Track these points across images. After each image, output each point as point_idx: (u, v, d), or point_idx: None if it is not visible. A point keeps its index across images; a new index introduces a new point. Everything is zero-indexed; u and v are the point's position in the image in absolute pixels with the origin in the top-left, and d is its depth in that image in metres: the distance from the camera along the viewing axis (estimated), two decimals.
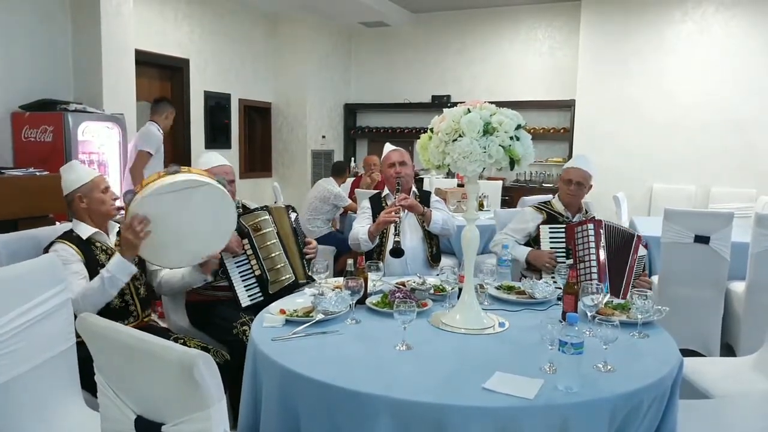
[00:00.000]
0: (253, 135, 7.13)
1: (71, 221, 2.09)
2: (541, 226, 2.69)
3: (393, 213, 2.62)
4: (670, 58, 6.05)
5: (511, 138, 1.68)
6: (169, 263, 2.04)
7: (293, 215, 2.59)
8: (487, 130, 1.67)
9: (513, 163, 1.71)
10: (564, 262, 2.53)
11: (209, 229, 2.00)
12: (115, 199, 2.14)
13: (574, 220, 2.74)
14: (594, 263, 2.46)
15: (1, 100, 3.82)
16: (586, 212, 2.87)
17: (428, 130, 1.81)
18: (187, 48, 5.81)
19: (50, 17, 4.08)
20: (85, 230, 2.04)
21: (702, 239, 3.16)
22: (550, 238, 2.63)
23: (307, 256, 2.55)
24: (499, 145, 1.66)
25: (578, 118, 6.46)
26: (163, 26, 5.54)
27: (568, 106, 6.65)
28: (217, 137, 6.32)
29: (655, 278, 3.49)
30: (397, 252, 2.56)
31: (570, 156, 6.61)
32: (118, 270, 1.89)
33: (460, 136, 1.67)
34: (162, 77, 5.70)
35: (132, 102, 4.45)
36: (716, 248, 3.14)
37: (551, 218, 2.75)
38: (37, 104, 3.86)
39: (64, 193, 2.08)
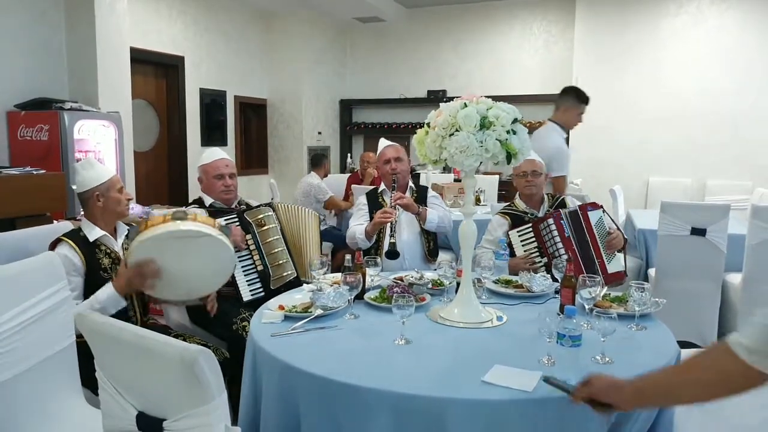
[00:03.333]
0: (249, 132, 7.12)
1: (79, 220, 2.09)
2: (510, 233, 2.61)
3: (388, 214, 2.60)
4: (666, 51, 6.05)
5: (508, 132, 1.69)
6: (161, 296, 2.05)
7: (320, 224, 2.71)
8: (484, 125, 1.67)
9: (510, 157, 1.72)
10: (540, 261, 2.52)
11: (204, 275, 2.00)
12: (129, 200, 2.14)
13: (539, 214, 2.69)
14: (564, 256, 2.46)
15: None
16: (552, 197, 2.81)
17: (425, 125, 1.81)
18: (182, 45, 5.79)
19: (44, 16, 4.06)
20: (93, 232, 2.02)
21: (698, 231, 3.17)
22: (521, 241, 2.58)
23: None
24: (496, 139, 1.67)
25: None
26: (158, 23, 5.52)
27: None
28: (212, 134, 6.30)
29: (652, 271, 3.51)
30: (392, 254, 2.53)
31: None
32: (110, 304, 1.89)
33: (457, 130, 1.67)
34: (157, 75, 5.68)
35: (128, 100, 4.44)
36: (713, 240, 3.15)
37: (518, 220, 2.67)
38: (33, 103, 3.85)
39: (79, 190, 2.07)
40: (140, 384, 1.05)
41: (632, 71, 6.17)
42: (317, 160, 5.17)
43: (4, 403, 1.36)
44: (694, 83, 5.95)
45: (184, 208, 2.06)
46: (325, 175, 5.13)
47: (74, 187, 2.09)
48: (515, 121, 1.72)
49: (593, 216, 2.56)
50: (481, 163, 1.72)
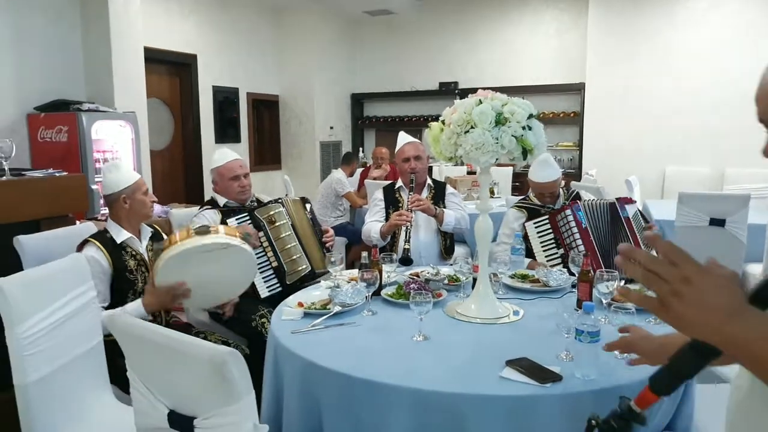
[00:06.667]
0: (262, 128, 7.17)
1: (101, 220, 2.14)
2: (526, 225, 2.62)
3: (405, 217, 2.60)
4: (682, 36, 5.95)
5: (523, 128, 1.69)
6: (185, 308, 2.12)
7: (308, 206, 2.65)
8: (499, 121, 1.67)
9: (525, 152, 1.72)
10: (556, 254, 2.53)
11: (228, 284, 2.08)
12: (154, 202, 2.19)
13: (555, 206, 2.69)
14: (582, 247, 2.46)
15: (17, 101, 3.88)
16: (569, 192, 2.81)
17: (440, 122, 1.81)
18: (194, 43, 5.84)
19: (60, 18, 4.12)
20: (119, 234, 2.07)
21: (717, 222, 3.14)
22: (537, 233, 2.58)
23: (327, 244, 2.61)
24: (512, 136, 1.67)
25: (588, 101, 6.40)
26: (170, 22, 5.56)
27: (578, 89, 6.58)
28: (226, 131, 6.36)
29: None
30: (406, 261, 2.53)
31: (581, 140, 6.56)
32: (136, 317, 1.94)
33: (472, 127, 1.67)
34: (171, 73, 5.74)
35: (143, 99, 4.49)
36: (732, 231, 3.12)
37: (534, 212, 2.68)
38: (52, 105, 3.91)
39: (105, 192, 2.12)
40: (171, 384, 1.09)
41: (647, 58, 6.07)
42: (347, 158, 5.27)
43: (38, 401, 1.41)
44: (711, 69, 5.84)
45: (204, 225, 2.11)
46: (351, 174, 5.18)
47: (94, 187, 2.15)
48: (530, 116, 1.72)
49: (630, 209, 2.55)
50: (497, 159, 1.73)
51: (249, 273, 2.10)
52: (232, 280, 2.06)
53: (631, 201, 2.61)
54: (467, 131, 1.68)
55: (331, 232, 2.69)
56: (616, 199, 2.60)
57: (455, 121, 1.70)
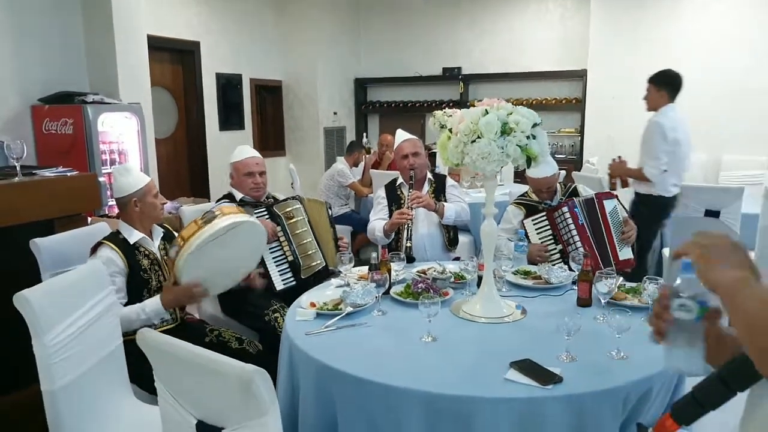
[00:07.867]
0: (265, 114, 7.16)
1: (111, 217, 2.20)
2: (524, 222, 2.67)
3: (406, 215, 2.66)
4: (683, 25, 5.91)
5: (528, 137, 1.73)
6: (214, 292, 2.20)
7: (330, 211, 2.78)
8: (505, 131, 1.72)
9: (530, 161, 1.77)
10: (555, 249, 2.60)
11: (246, 257, 2.17)
12: (164, 204, 2.25)
13: (553, 203, 2.74)
14: (579, 244, 2.53)
15: (20, 93, 3.87)
16: (565, 186, 2.86)
17: (444, 122, 1.85)
18: (196, 30, 5.80)
19: (62, 7, 4.09)
20: (132, 235, 2.13)
21: (712, 213, 3.21)
22: (536, 230, 2.64)
23: (339, 250, 2.69)
24: (516, 145, 1.72)
25: (590, 88, 6.39)
26: (172, 9, 5.52)
27: (579, 76, 6.57)
28: (230, 118, 6.36)
29: (666, 251, 3.56)
30: (408, 259, 2.57)
31: (582, 126, 6.57)
32: (155, 316, 2.02)
33: (478, 137, 1.72)
34: (173, 61, 5.72)
35: (147, 89, 4.48)
36: (726, 222, 3.19)
37: (532, 209, 2.73)
38: (56, 96, 3.90)
39: (116, 195, 2.17)
40: (199, 397, 1.16)
41: (648, 46, 6.04)
42: (351, 148, 5.30)
43: (65, 405, 1.49)
44: (711, 58, 5.82)
45: (211, 209, 2.17)
46: (355, 164, 5.21)
47: (101, 179, 2.20)
48: (535, 125, 1.76)
49: (608, 204, 2.62)
50: (501, 167, 1.78)
51: (261, 241, 2.19)
52: (248, 251, 2.15)
53: (611, 195, 2.68)
54: (474, 141, 1.72)
55: (346, 240, 2.78)
56: (596, 194, 2.67)
57: (462, 131, 1.75)
